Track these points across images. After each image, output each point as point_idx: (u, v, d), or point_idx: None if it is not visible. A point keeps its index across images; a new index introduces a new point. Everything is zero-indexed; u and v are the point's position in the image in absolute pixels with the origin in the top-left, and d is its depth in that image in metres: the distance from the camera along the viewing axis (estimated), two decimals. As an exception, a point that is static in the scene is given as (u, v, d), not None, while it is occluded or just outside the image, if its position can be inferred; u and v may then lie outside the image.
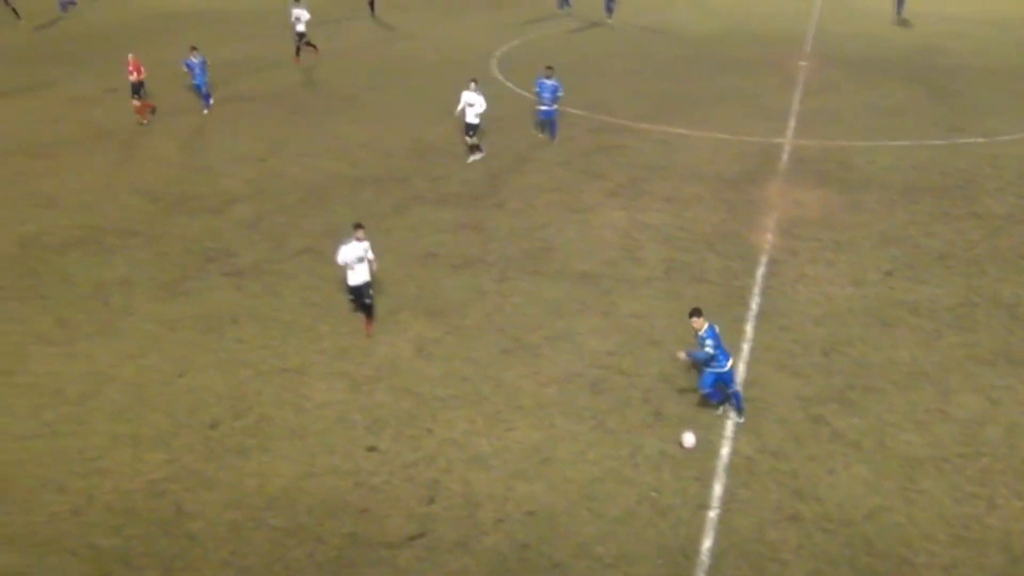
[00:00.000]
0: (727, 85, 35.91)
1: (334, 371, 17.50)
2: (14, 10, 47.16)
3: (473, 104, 26.92)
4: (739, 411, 15.97)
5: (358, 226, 18.17)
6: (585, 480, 14.70)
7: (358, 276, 18.23)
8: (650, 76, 37.31)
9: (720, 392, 15.95)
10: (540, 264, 21.50)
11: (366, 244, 18.16)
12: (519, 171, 27.02)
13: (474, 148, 27.65)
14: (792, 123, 31.27)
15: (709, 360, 15.37)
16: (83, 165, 27.57)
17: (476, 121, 27.16)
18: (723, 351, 15.46)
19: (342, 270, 18.28)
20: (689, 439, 15.32)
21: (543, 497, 14.35)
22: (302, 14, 38.20)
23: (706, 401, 16.13)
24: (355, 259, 18.07)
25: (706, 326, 15.34)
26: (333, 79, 36.92)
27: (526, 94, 32.19)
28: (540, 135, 29.51)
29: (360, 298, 18.55)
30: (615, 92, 34.75)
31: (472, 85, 27.00)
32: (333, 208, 24.47)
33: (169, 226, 23.39)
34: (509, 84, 35.79)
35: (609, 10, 47.98)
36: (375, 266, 18.53)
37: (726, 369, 15.58)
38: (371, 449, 15.38)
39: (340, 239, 18.35)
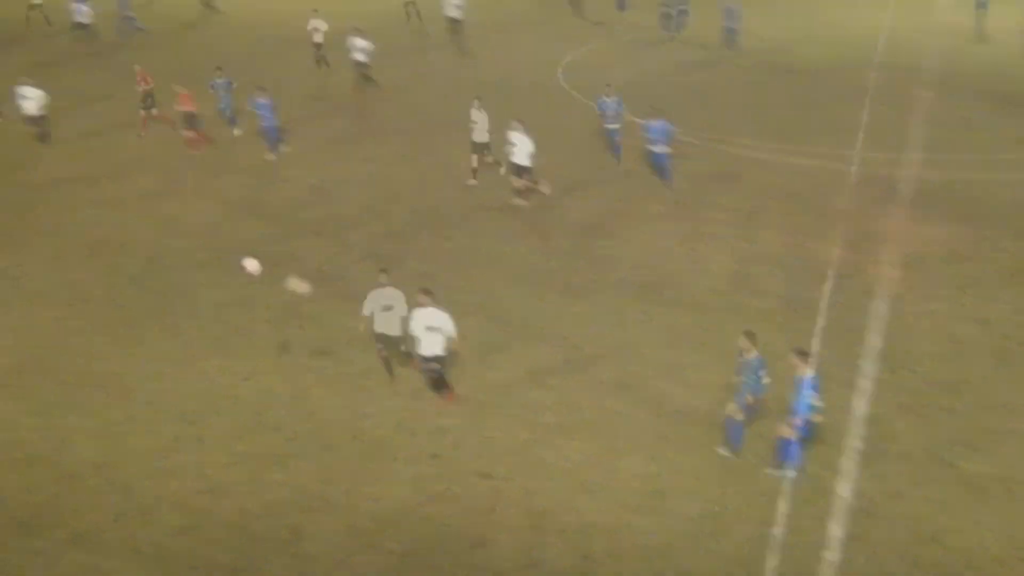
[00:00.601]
0: (828, 108, 34.68)
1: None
2: (45, 17, 47.22)
3: (476, 122, 26.85)
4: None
5: (383, 274, 17.55)
6: (697, 516, 14.55)
7: (390, 327, 17.28)
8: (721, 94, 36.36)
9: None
10: (653, 292, 21.43)
11: (421, 311, 16.56)
12: (626, 204, 26.77)
13: (488, 165, 27.36)
14: (908, 152, 30.14)
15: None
16: (204, 188, 28.18)
17: (485, 139, 26.92)
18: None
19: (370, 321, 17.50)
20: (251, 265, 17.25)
21: (656, 530, 14.29)
22: (360, 43, 36.22)
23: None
24: (381, 308, 17.19)
25: (810, 372, 14.64)
26: (425, 103, 36.35)
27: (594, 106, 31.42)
28: (655, 172, 27.83)
29: (428, 369, 17.00)
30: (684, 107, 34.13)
31: (475, 103, 26.98)
32: (450, 235, 24.54)
33: (286, 248, 23.76)
34: (579, 97, 35.69)
35: (679, 25, 45.48)
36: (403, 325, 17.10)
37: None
38: (484, 476, 15.49)
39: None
